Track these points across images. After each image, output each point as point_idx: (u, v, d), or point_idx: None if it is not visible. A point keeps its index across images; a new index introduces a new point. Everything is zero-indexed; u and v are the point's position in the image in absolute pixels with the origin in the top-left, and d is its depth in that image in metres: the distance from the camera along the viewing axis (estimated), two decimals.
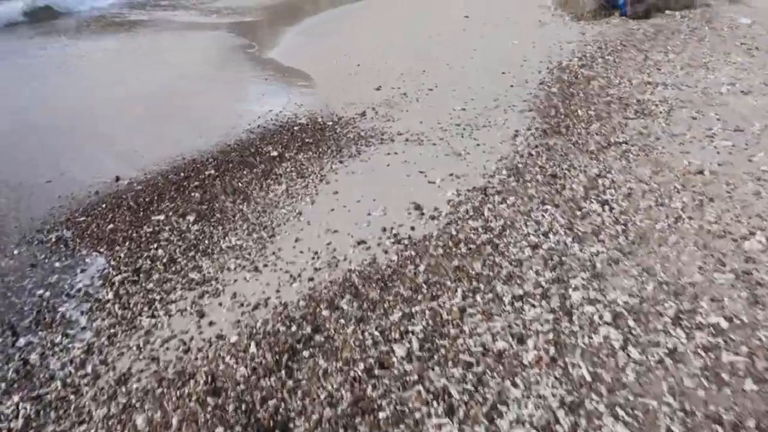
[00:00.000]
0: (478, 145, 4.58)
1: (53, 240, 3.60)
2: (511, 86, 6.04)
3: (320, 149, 4.75)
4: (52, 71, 7.92)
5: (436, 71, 6.84)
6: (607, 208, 3.43)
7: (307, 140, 4.98)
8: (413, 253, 3.12)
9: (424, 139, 4.81)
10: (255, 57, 8.47)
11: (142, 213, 3.89)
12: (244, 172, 4.41)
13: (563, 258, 2.98)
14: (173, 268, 3.21)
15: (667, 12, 8.90)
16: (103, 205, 4.05)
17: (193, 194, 4.12)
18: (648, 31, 7.95)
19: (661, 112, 4.91)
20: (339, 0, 14.43)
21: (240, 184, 4.22)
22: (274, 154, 4.71)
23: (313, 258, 3.18)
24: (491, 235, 3.23)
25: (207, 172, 4.47)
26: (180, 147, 5.10)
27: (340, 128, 5.23)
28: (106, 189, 4.38)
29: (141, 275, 3.17)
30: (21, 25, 11.15)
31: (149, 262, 3.28)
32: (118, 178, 4.55)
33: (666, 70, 6.08)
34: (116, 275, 3.17)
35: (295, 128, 5.32)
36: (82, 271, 3.24)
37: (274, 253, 3.29)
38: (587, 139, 4.47)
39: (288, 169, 4.39)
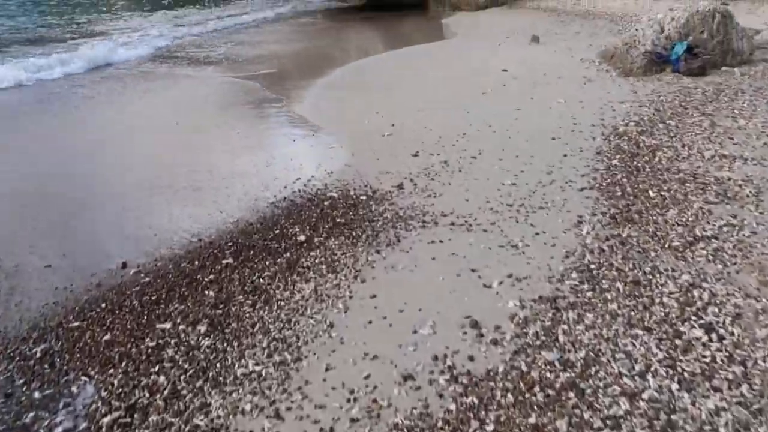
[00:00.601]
0: (537, 233, 3.95)
1: (38, 355, 3.03)
2: (565, 156, 5.42)
3: (353, 233, 4.16)
4: (66, 131, 7.57)
5: (478, 134, 6.28)
6: (714, 336, 2.75)
7: (338, 220, 4.40)
8: (475, 400, 2.47)
9: (473, 223, 4.19)
10: (282, 113, 8.02)
11: (146, 318, 3.32)
12: (267, 263, 3.83)
13: (672, 417, 2.30)
14: (175, 407, 2.59)
15: (724, 68, 8.29)
16: (103, 305, 3.49)
17: (206, 292, 3.54)
18: (707, 90, 7.32)
19: (748, 196, 4.23)
20: (370, 48, 14.17)
21: (261, 280, 3.63)
22: (302, 238, 4.13)
23: (349, 401, 2.54)
24: (573, 374, 2.57)
25: (224, 261, 3.90)
26: (197, 224, 4.56)
27: (375, 205, 4.65)
28: (109, 279, 3.83)
29: (135, 415, 2.56)
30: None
31: (147, 395, 2.68)
32: (124, 265, 4.01)
33: (739, 140, 5.42)
34: (105, 414, 2.57)
35: (325, 203, 4.76)
36: (65, 405, 2.65)
37: (299, 388, 2.66)
38: (667, 231, 3.81)
39: (317, 260, 3.80)
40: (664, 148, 5.34)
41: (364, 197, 4.84)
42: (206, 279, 3.71)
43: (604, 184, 4.68)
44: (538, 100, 7.55)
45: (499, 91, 8.19)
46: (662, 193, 4.39)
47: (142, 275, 3.85)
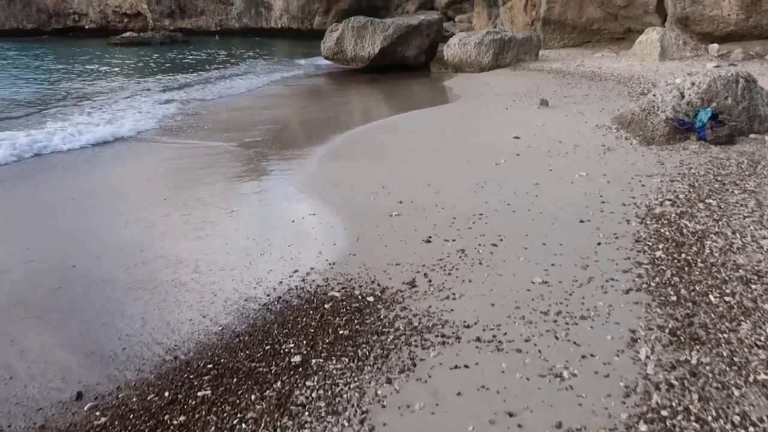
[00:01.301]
0: (583, 356, 3.23)
1: None
2: (599, 244, 4.76)
3: (359, 351, 3.45)
4: (33, 213, 6.96)
5: (496, 215, 5.64)
6: None
7: (341, 332, 3.70)
8: None
9: (503, 339, 3.48)
10: (281, 186, 7.44)
11: None
12: (252, 397, 3.10)
13: None
14: None
15: (752, 136, 7.76)
16: None
17: None
18: (741, 162, 6.74)
19: None
20: (373, 112, 13.78)
21: (244, 425, 2.89)
22: (297, 359, 3.42)
23: None
24: None
25: (200, 393, 3.18)
26: (175, 335, 3.86)
27: (384, 309, 3.96)
28: (58, 418, 3.10)
29: None
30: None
31: None
32: (79, 396, 3.28)
33: None
34: None
35: (326, 306, 4.07)
36: None
37: None
38: (746, 356, 3.10)
39: (314, 394, 3.08)
40: (712, 236, 4.69)
41: (371, 298, 4.15)
42: (175, 419, 2.98)
43: (652, 284, 4.00)
44: (557, 172, 6.96)
45: (513, 161, 7.63)
46: (726, 298, 3.70)
47: (98, 413, 3.11)
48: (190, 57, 29.95)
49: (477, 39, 19.28)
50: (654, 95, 8.55)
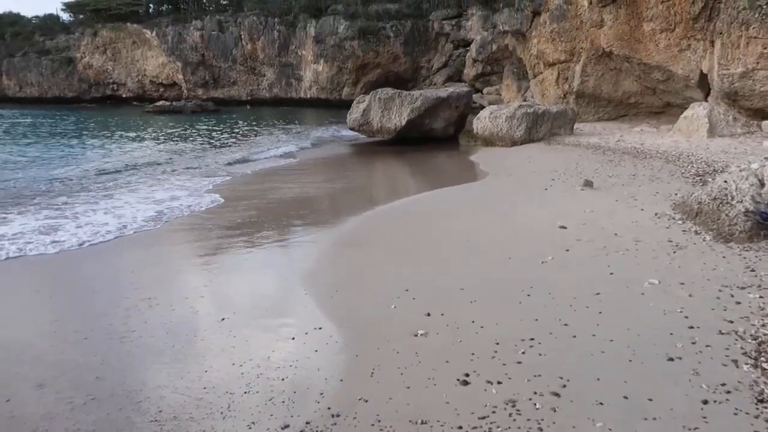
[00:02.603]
0: None
1: None
2: (706, 403, 3.44)
3: None
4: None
5: (552, 342, 4.37)
6: None
7: None
8: None
9: None
10: (285, 285, 6.29)
11: None
12: None
13: None
14: None
15: None
16: None
17: None
18: None
19: None
20: (398, 189, 12.75)
21: None
22: None
23: None
24: None
25: None
26: None
27: None
28: None
29: None
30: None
31: None
32: None
33: None
34: None
35: None
36: None
37: None
38: None
39: None
40: None
41: None
42: None
43: None
44: (621, 277, 5.69)
45: (563, 258, 6.39)
46: None
47: None
48: (218, 127, 29.90)
49: (509, 112, 18.45)
50: (725, 182, 7.32)
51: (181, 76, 50.76)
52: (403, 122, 20.40)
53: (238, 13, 48.53)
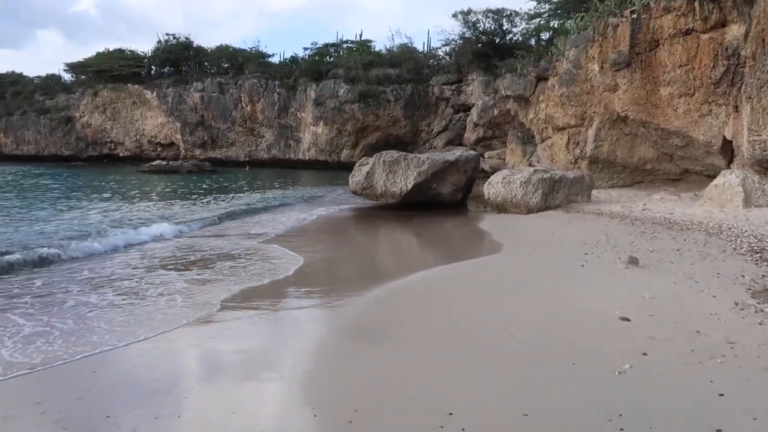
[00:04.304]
0: None
1: None
2: None
3: None
4: None
5: None
6: None
7: None
8: None
9: None
10: (277, 412, 4.79)
11: None
12: None
13: None
14: None
15: None
16: None
17: None
18: None
19: None
20: (404, 262, 11.20)
21: None
22: None
23: None
24: None
25: None
26: None
27: None
28: None
29: None
30: None
31: None
32: None
33: None
34: None
35: None
36: None
37: None
38: None
39: None
40: None
41: None
42: None
43: None
44: (734, 399, 4.24)
45: (645, 368, 4.94)
46: None
47: None
48: (215, 187, 28.74)
49: (523, 177, 17.35)
50: None
51: (179, 136, 50.28)
52: (409, 186, 19.26)
53: (239, 76, 48.56)
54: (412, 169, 19.27)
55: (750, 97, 14.83)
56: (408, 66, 42.34)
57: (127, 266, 10.26)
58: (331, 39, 49.85)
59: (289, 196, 25.01)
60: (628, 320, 6.22)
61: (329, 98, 42.89)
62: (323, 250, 12.68)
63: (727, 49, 16.09)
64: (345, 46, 48.75)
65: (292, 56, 49.81)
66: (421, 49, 44.98)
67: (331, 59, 47.31)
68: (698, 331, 5.73)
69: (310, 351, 5.90)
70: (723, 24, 16.14)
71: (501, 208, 17.79)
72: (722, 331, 5.68)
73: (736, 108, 16.23)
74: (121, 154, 53.60)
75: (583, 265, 9.35)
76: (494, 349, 5.62)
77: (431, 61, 43.71)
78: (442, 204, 19.68)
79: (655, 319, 6.20)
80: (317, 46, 48.98)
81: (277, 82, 46.32)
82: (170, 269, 10.09)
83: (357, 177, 20.26)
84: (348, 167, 24.61)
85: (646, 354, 5.25)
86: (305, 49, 49.58)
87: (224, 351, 6.04)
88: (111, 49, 54.77)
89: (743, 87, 15.60)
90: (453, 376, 4.97)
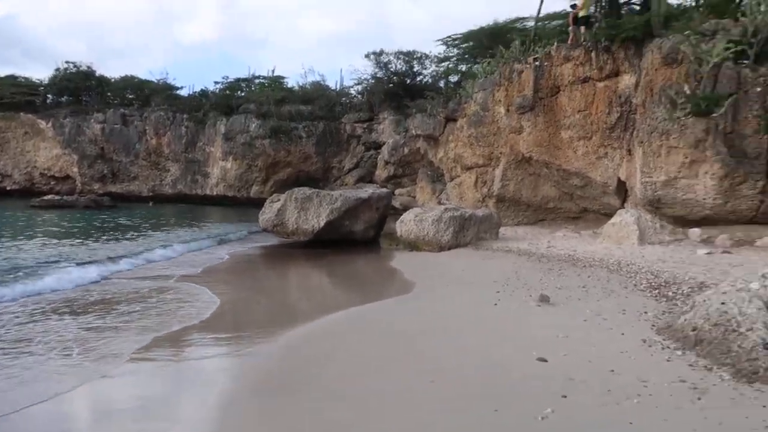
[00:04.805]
0: None
1: None
2: None
3: None
4: None
5: None
6: None
7: None
8: None
9: None
10: None
11: None
12: None
13: None
14: None
15: None
16: None
17: None
18: None
19: None
20: (320, 304, 10.61)
21: None
22: None
23: None
24: None
25: None
26: None
27: None
28: None
29: None
30: None
31: None
32: None
33: None
34: None
35: None
36: None
37: None
38: None
39: None
40: None
41: None
42: None
43: None
44: None
45: (566, 411, 4.85)
46: None
47: None
48: (115, 224, 26.90)
49: (435, 215, 17.54)
50: (723, 303, 6.27)
51: (76, 169, 47.08)
52: (322, 224, 18.97)
53: (145, 108, 46.54)
54: (325, 206, 19.02)
55: (641, 142, 15.92)
56: (320, 103, 42.47)
57: (17, 315, 9.13)
58: (243, 74, 48.91)
59: (197, 233, 23.83)
60: (546, 361, 6.19)
61: (240, 133, 41.98)
62: (235, 292, 12.00)
63: (620, 97, 17.30)
64: (257, 81, 48.17)
65: (202, 89, 48.46)
66: (333, 87, 45.32)
67: (243, 94, 46.54)
68: (612, 371, 5.78)
69: (219, 406, 5.36)
70: (616, 74, 17.38)
71: (413, 245, 17.84)
72: (634, 370, 5.75)
73: (629, 151, 17.38)
74: (8, 188, 49.34)
75: (496, 304, 9.38)
76: (415, 397, 5.35)
77: (343, 99, 44.11)
78: (354, 241, 19.49)
79: (571, 359, 6.21)
80: (228, 80, 48.02)
81: (185, 116, 44.80)
82: (68, 316, 9.10)
83: (268, 214, 19.70)
84: (258, 203, 23.94)
85: (565, 396, 5.19)
86: (216, 83, 48.39)
87: (125, 414, 5.36)
88: (2, 76, 50.88)
89: (635, 132, 16.76)
90: (370, 428, 4.64)
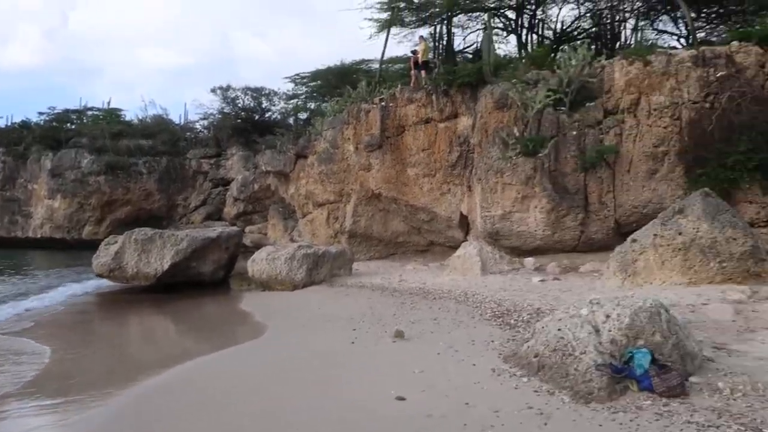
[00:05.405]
0: None
1: None
2: None
3: None
4: None
5: None
6: None
7: None
8: None
9: None
10: None
11: None
12: None
13: None
14: None
15: (694, 380, 6.19)
16: None
17: None
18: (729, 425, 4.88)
19: None
20: (162, 358, 9.63)
21: None
22: None
23: None
24: None
25: None
26: None
27: None
28: None
29: None
30: None
31: None
32: None
33: None
34: None
35: None
36: None
37: None
38: None
39: None
40: None
41: None
42: None
43: None
44: None
45: None
46: None
47: None
48: None
49: (288, 253, 17.23)
50: (560, 330, 6.79)
51: None
52: (166, 266, 17.77)
53: None
54: (169, 247, 17.87)
55: (480, 179, 17.13)
56: (163, 137, 40.22)
57: None
58: (74, 105, 44.88)
59: (20, 282, 20.98)
60: (404, 399, 6.21)
61: (70, 169, 38.21)
62: (67, 346, 10.63)
63: (459, 137, 18.57)
64: (90, 113, 44.49)
65: (23, 120, 43.55)
66: (177, 122, 43.26)
67: (73, 126, 42.60)
68: (467, 403, 5.95)
69: None
70: (455, 116, 18.66)
71: (266, 285, 17.33)
72: (487, 401, 5.97)
73: (470, 188, 18.63)
74: None
75: (353, 342, 9.33)
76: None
77: (188, 133, 42.27)
78: (203, 284, 18.47)
79: (428, 395, 6.30)
80: (56, 111, 43.73)
81: (2, 149, 39.91)
82: None
83: (103, 258, 18.01)
84: (92, 246, 21.80)
85: None
86: (41, 113, 43.78)
87: None
88: None
89: (474, 170, 18.02)
90: None
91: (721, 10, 21.76)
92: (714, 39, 20.40)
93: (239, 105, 39.77)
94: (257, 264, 17.65)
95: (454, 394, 6.25)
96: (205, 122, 42.67)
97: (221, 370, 8.36)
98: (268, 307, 14.04)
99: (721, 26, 21.86)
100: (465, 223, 19.72)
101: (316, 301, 14.36)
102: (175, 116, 44.35)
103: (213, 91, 39.69)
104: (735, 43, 14.93)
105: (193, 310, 15.18)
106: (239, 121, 39.29)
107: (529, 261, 16.16)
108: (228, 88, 39.29)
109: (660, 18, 22.76)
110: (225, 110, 40.21)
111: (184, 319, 14.30)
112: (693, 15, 20.11)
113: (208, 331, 12.74)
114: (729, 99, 14.00)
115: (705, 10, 21.92)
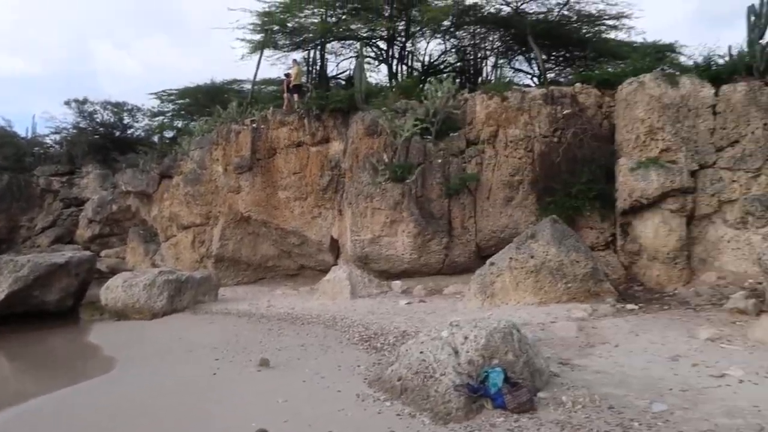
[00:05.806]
0: None
1: None
2: None
3: None
4: None
5: None
6: None
7: None
8: None
9: None
10: None
11: None
12: None
13: None
14: None
15: (542, 395, 6.63)
16: None
17: None
18: None
19: None
20: None
21: None
22: None
23: None
24: None
25: None
26: None
27: None
28: None
29: None
30: None
31: None
32: None
33: None
34: None
35: None
36: None
37: None
38: None
39: None
40: None
41: None
42: None
43: None
44: None
45: None
46: None
47: None
48: None
49: (147, 280, 16.12)
50: (422, 352, 6.96)
51: None
52: (1, 296, 15.84)
53: None
54: (7, 274, 16.03)
55: (350, 203, 17.30)
56: (6, 152, 36.24)
57: None
58: None
59: None
60: (266, 431, 5.97)
61: None
62: None
63: (331, 162, 18.67)
64: None
65: None
66: (23, 135, 39.20)
67: None
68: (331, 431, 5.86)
69: None
70: (327, 140, 18.77)
71: (121, 314, 16.03)
72: (350, 428, 5.94)
73: (341, 212, 18.73)
74: None
75: (215, 373, 8.89)
76: None
77: (36, 148, 38.48)
78: (48, 314, 16.68)
79: (291, 425, 6.14)
80: None
81: None
82: None
83: None
84: None
85: None
86: None
87: None
88: None
89: (345, 194, 18.16)
90: None
91: (568, 54, 24.16)
92: (562, 80, 22.56)
93: (97, 120, 36.97)
94: (112, 291, 16.31)
95: (317, 423, 6.14)
96: (57, 137, 39.11)
97: (58, 410, 7.54)
98: (121, 339, 12.99)
99: (567, 68, 24.26)
100: (335, 247, 19.74)
101: (177, 330, 13.55)
102: (21, 129, 40.12)
103: (67, 103, 36.53)
104: (578, 84, 16.62)
105: (33, 344, 13.62)
106: (97, 137, 36.51)
107: (397, 284, 16.52)
108: (85, 101, 36.40)
109: (516, 58, 24.71)
110: (81, 125, 37.16)
111: (22, 355, 12.80)
112: (544, 57, 22.12)
113: (51, 368, 11.50)
114: (573, 135, 15.48)
115: (554, 54, 24.20)
